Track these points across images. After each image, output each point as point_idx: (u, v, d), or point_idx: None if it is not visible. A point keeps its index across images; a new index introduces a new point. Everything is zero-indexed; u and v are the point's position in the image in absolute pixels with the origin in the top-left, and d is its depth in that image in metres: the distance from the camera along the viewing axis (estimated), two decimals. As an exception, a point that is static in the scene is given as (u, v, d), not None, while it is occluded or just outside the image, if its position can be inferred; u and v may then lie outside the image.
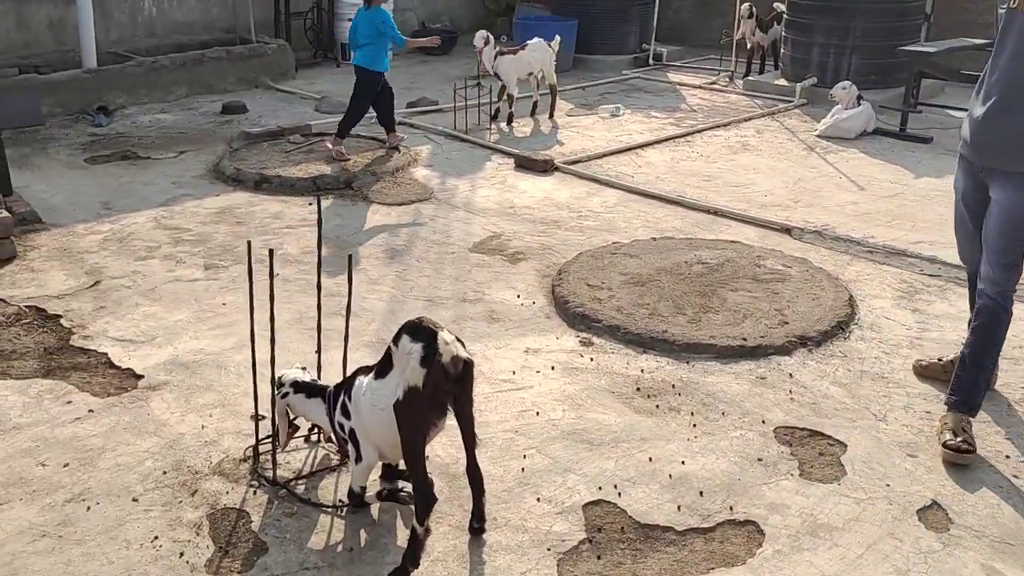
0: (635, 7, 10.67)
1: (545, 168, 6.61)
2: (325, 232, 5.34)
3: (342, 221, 5.60)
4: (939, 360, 3.77)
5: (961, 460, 3.12)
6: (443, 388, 2.45)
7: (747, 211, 5.73)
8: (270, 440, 3.07)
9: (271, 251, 2.93)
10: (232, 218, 5.61)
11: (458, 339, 2.52)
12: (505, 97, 7.78)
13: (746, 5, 9.47)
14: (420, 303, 4.45)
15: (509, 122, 7.77)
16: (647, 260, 4.85)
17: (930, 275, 4.81)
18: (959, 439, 3.15)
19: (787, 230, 5.42)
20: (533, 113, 8.11)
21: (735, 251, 4.98)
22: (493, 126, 7.78)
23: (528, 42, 7.92)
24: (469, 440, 2.62)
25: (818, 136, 7.57)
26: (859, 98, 7.61)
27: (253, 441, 3.12)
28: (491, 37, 7.76)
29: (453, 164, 6.82)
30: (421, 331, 2.46)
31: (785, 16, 9.34)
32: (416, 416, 2.48)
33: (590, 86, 9.51)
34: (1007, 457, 3.21)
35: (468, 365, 2.48)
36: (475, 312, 4.35)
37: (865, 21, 8.52)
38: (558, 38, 8.10)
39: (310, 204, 5.83)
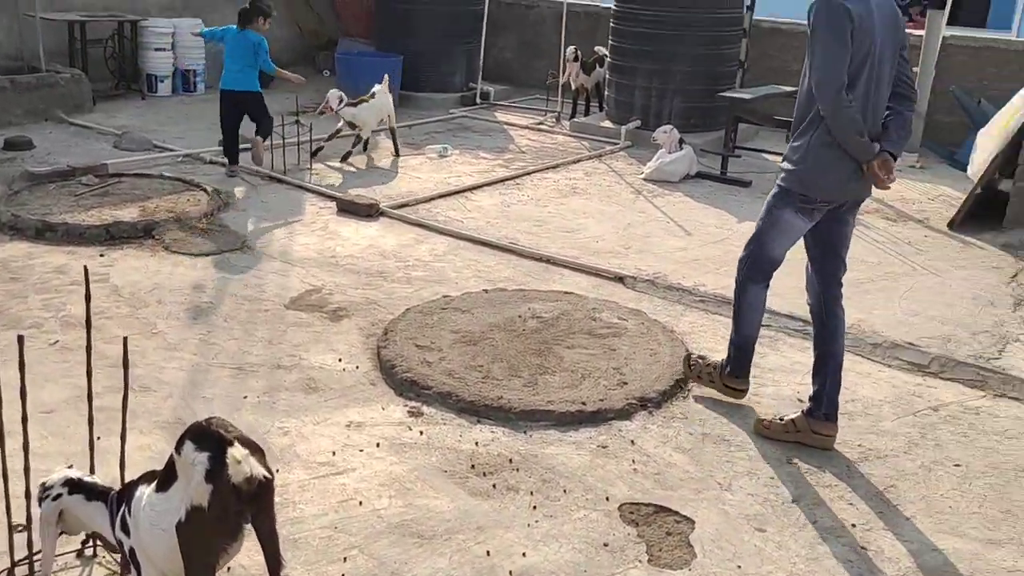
0: (461, 45, 10.51)
1: (370, 213, 6.23)
2: (118, 289, 4.74)
3: (139, 276, 4.99)
4: (780, 419, 3.67)
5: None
6: (233, 509, 2.03)
7: (579, 258, 5.57)
8: (28, 563, 2.51)
9: (20, 338, 2.39)
10: (6, 273, 4.89)
11: (255, 448, 2.10)
12: (357, 142, 7.64)
13: (571, 48, 9.50)
14: (227, 371, 3.95)
15: (345, 158, 7.52)
16: (479, 315, 4.56)
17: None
18: None
19: (620, 279, 5.29)
20: (365, 152, 7.79)
21: (570, 303, 4.78)
22: (314, 166, 7.33)
23: (374, 89, 7.71)
24: (273, 563, 2.20)
25: (644, 179, 7.59)
26: (681, 141, 7.71)
27: (7, 562, 2.55)
28: (343, 95, 7.44)
29: (269, 208, 6.31)
30: (208, 438, 2.03)
31: (608, 59, 9.43)
32: (201, 541, 2.05)
33: (416, 124, 9.23)
34: (853, 526, 3.11)
35: (265, 484, 2.07)
36: (291, 381, 3.90)
37: (684, 66, 8.70)
38: (387, 77, 7.87)
39: (101, 255, 5.18)
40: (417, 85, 10.23)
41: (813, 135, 3.41)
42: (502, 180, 7.34)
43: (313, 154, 7.42)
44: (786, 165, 3.53)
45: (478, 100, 10.49)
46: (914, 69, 8.47)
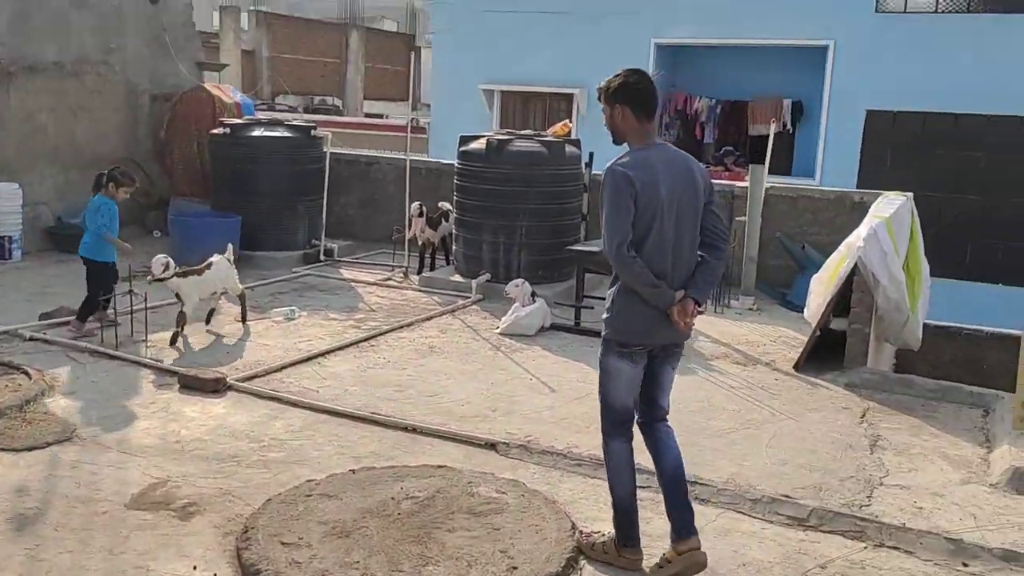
0: (302, 202, 10.35)
1: (217, 388, 5.79)
2: (-79, 501, 4.09)
3: (-53, 481, 4.34)
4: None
5: None
6: None
7: (447, 425, 5.35)
8: None
9: None
10: None
11: None
12: (180, 319, 6.99)
13: (415, 204, 9.54)
14: (60, 595, 3.41)
15: (173, 342, 6.83)
16: (349, 500, 4.22)
17: (640, 487, 4.66)
18: None
19: (492, 446, 5.09)
20: (208, 321, 7.30)
21: (444, 478, 4.52)
22: (150, 337, 6.81)
23: (212, 259, 7.27)
24: None
25: (500, 334, 7.54)
26: (533, 294, 7.76)
27: None
28: (171, 260, 6.97)
29: (101, 390, 5.76)
30: None
31: (453, 214, 9.52)
32: None
33: (259, 286, 8.87)
34: None
35: None
36: (138, 600, 3.41)
37: (529, 221, 8.88)
38: (231, 247, 7.51)
39: (-100, 460, 4.50)
40: (257, 244, 9.92)
41: (619, 286, 3.74)
42: (356, 342, 7.08)
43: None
44: (603, 315, 3.81)
45: (322, 257, 10.28)
46: (741, 218, 9.08)
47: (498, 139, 8.96)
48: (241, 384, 5.91)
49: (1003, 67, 13.73)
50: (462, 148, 9.26)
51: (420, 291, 9.09)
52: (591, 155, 9.03)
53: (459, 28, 17.30)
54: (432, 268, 9.81)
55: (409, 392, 5.99)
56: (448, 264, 9.89)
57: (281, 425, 5.29)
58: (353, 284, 9.28)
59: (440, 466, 4.71)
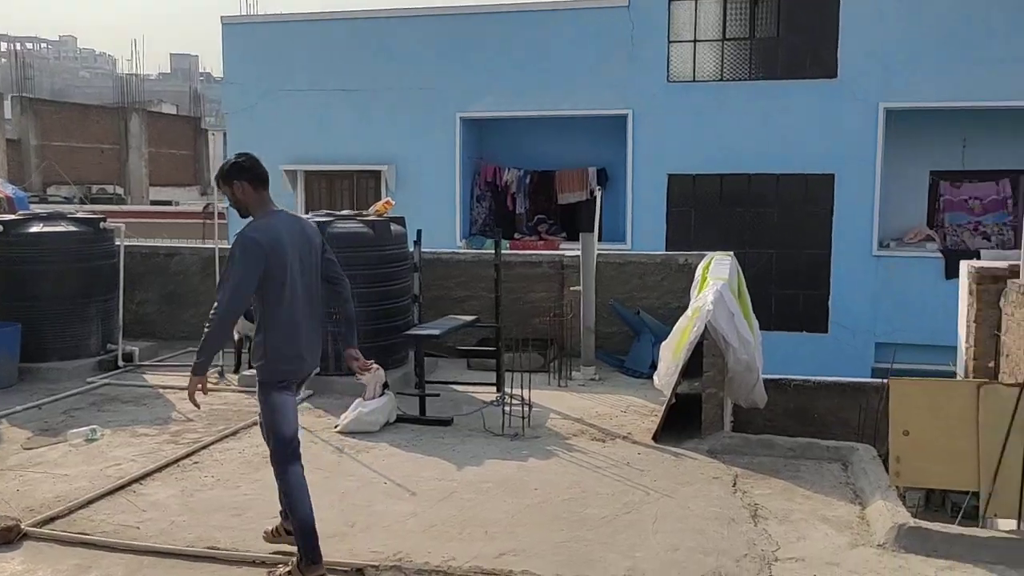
0: (94, 303, 9.20)
1: (8, 538, 4.76)
2: None
3: None
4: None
5: None
6: None
7: (301, 552, 4.62)
8: None
9: None
10: None
11: None
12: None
13: (230, 296, 8.69)
14: None
15: None
16: (198, 670, 3.44)
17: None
18: None
19: (360, 571, 4.44)
20: (-24, 454, 6.15)
21: (312, 623, 3.83)
22: (-87, 482, 5.61)
23: None
24: None
25: (340, 432, 6.87)
26: (385, 384, 7.16)
27: None
28: None
29: None
30: None
31: (272, 304, 8.75)
32: None
33: (48, 403, 7.69)
34: None
35: None
36: None
37: (357, 305, 8.18)
38: None
39: None
40: (43, 354, 8.68)
41: (262, 335, 4.45)
42: (176, 460, 6.17)
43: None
44: (257, 363, 4.52)
45: (120, 363, 9.15)
46: (575, 288, 8.94)
47: (317, 221, 8.35)
48: (39, 530, 4.90)
49: (784, 129, 14.72)
50: (278, 233, 8.56)
51: (241, 391, 8.22)
52: (419, 232, 8.62)
53: (255, 108, 16.56)
54: (249, 366, 8.95)
55: (248, 515, 5.20)
56: (269, 359, 9.05)
57: (96, 578, 4.38)
58: (161, 391, 8.26)
59: (304, 607, 4.01)
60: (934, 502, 8.45)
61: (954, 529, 4.88)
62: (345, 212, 9.08)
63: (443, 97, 15.78)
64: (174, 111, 42.06)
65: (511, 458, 6.26)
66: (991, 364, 8.54)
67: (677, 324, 7.01)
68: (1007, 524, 5.25)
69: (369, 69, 16.05)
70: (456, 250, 12.00)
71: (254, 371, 8.86)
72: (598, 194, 10.89)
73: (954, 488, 5.45)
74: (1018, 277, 8.22)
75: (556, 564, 4.49)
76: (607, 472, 5.98)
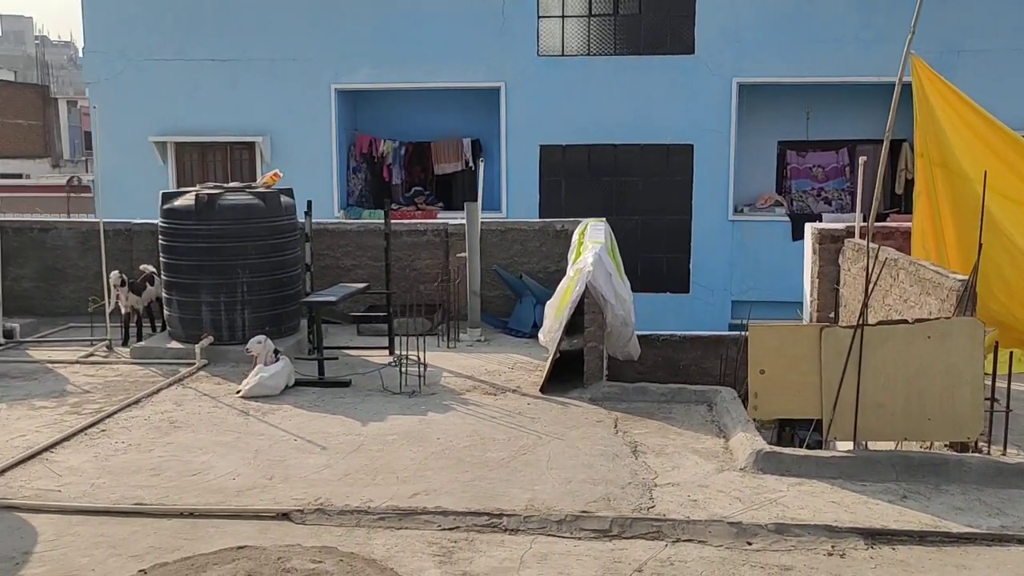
0: (-31, 280, 9.02)
1: (-72, 507, 4.88)
2: None
3: None
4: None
5: None
6: None
7: (226, 503, 4.96)
8: None
9: None
10: None
11: None
12: None
13: (115, 273, 8.73)
14: None
15: None
16: (152, 605, 3.78)
17: (448, 529, 4.69)
18: None
19: (286, 515, 4.81)
20: None
21: (251, 559, 4.21)
22: None
23: None
24: None
25: (243, 397, 7.13)
26: (276, 352, 7.44)
27: None
28: None
29: None
30: None
31: (161, 277, 8.84)
32: None
33: (-67, 381, 7.59)
34: None
35: None
36: None
37: (251, 276, 8.48)
38: None
39: None
40: (-82, 334, 8.48)
41: None
42: (83, 429, 6.31)
43: None
44: None
45: (2, 340, 9.01)
46: (461, 254, 9.42)
47: (208, 194, 8.48)
48: (-41, 498, 5.03)
49: (647, 102, 15.57)
50: (166, 206, 8.64)
51: (134, 363, 8.30)
52: (309, 203, 8.86)
53: (120, 78, 16.10)
54: (139, 338, 9.01)
55: (168, 475, 5.47)
56: (159, 331, 9.15)
57: (30, 537, 4.58)
58: (50, 365, 8.24)
59: (240, 547, 4.38)
60: (784, 439, 9.44)
61: (802, 452, 5.71)
62: (234, 184, 9.21)
63: (317, 68, 15.81)
64: (11, 78, 39.61)
65: (411, 413, 6.71)
66: (831, 315, 9.61)
67: (560, 285, 7.61)
68: (845, 445, 6.11)
69: (240, 39, 15.88)
70: (342, 220, 12.26)
71: (144, 343, 8.98)
72: (480, 165, 11.34)
73: (803, 416, 6.25)
74: (853, 237, 9.27)
75: (466, 499, 5.00)
76: (501, 421, 6.52)
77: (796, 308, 11.04)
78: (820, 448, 6.29)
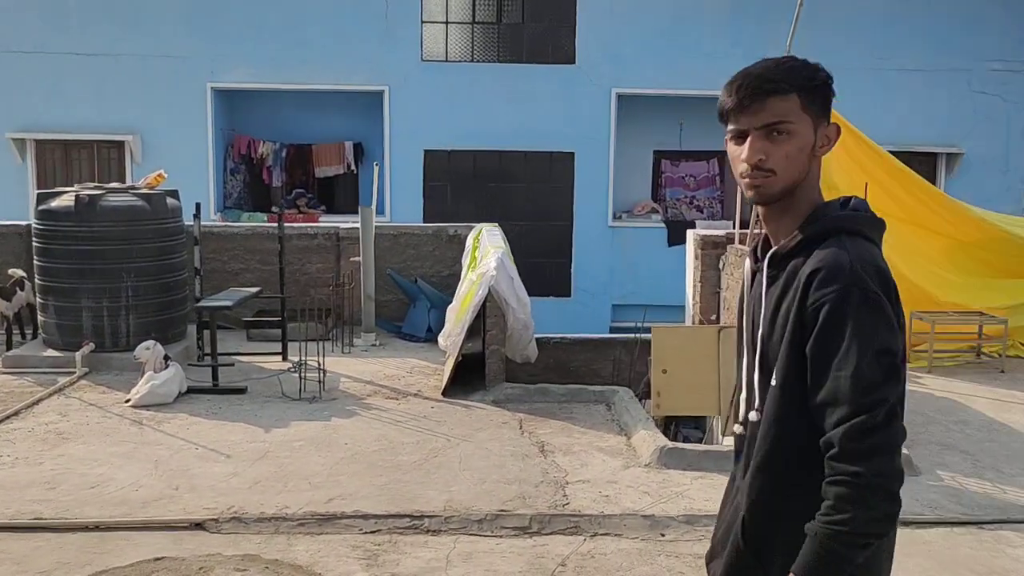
0: None
1: None
2: None
3: None
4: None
5: None
6: None
7: (133, 514, 4.78)
8: None
9: None
10: None
11: None
12: None
13: (-17, 277, 8.23)
14: None
15: None
16: (70, 622, 3.61)
17: (370, 532, 4.68)
18: None
19: (199, 525, 4.68)
20: None
21: (171, 570, 4.09)
22: None
23: None
24: None
25: (133, 406, 6.85)
26: (166, 358, 7.18)
27: None
28: None
29: None
30: None
31: (34, 282, 8.37)
32: None
33: None
34: None
35: None
36: None
37: (136, 280, 8.15)
38: None
39: None
40: None
41: None
42: (-40, 444, 5.93)
43: None
44: None
45: None
46: (355, 258, 9.34)
47: (89, 194, 8.10)
48: None
49: (530, 110, 15.82)
50: (42, 207, 8.19)
51: (6, 373, 7.82)
52: (198, 206, 8.59)
53: (-27, 70, 15.09)
54: (9, 346, 8.51)
55: (64, 488, 5.21)
56: (30, 338, 8.66)
57: (-84, 558, 4.29)
58: (-89, 377, 7.68)
59: (158, 558, 4.24)
60: (669, 436, 9.85)
61: (703, 447, 5.99)
62: (115, 185, 8.84)
63: (191, 66, 15.27)
64: None
65: (315, 419, 6.63)
66: (713, 317, 10.06)
67: (460, 289, 7.68)
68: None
69: (107, 34, 15.15)
70: (229, 223, 11.91)
71: (17, 351, 8.49)
72: (376, 169, 11.26)
73: (702, 414, 6.55)
74: (733, 243, 9.75)
75: (383, 503, 5.00)
76: (408, 425, 6.53)
77: (673, 313, 11.51)
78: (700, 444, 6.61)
